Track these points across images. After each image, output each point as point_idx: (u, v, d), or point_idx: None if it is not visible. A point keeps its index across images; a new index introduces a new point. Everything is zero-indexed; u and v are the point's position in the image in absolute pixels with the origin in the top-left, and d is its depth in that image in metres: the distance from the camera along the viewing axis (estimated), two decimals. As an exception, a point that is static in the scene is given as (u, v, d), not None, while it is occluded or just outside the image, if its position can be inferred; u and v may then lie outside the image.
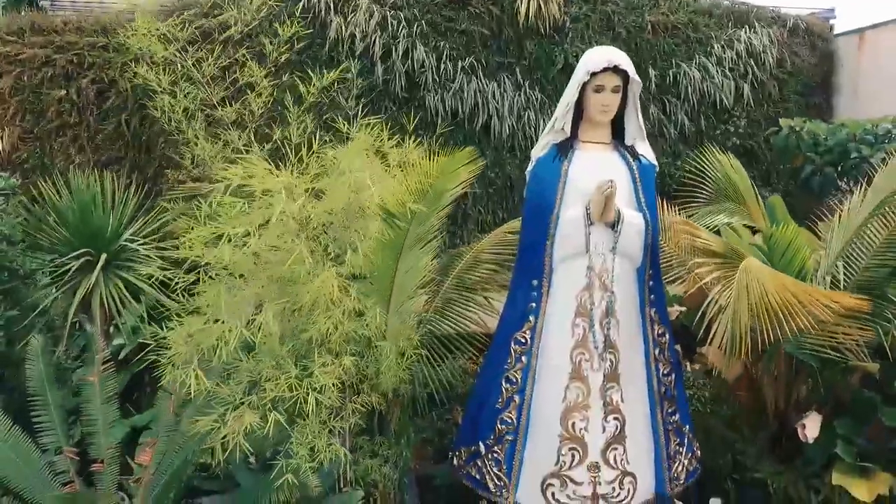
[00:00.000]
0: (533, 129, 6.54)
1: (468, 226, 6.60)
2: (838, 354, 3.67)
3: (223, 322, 2.63)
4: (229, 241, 2.44)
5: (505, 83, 6.50)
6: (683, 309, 4.52)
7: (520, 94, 6.54)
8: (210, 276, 2.73)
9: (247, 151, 2.89)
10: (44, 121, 5.88)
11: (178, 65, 3.39)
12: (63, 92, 5.88)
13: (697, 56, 6.83)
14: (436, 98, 6.32)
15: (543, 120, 6.51)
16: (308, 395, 2.68)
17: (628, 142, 3.75)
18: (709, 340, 3.38)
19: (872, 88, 6.81)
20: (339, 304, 2.82)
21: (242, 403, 2.70)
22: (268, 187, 2.56)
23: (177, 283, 2.99)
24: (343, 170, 2.60)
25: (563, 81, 6.46)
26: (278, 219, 2.55)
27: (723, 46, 6.89)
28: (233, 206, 2.47)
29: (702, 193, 4.53)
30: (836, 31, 7.47)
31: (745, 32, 6.96)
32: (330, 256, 2.81)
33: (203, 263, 2.79)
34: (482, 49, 6.49)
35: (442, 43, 6.36)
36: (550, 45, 6.58)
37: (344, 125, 2.83)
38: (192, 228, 2.60)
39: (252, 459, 3.85)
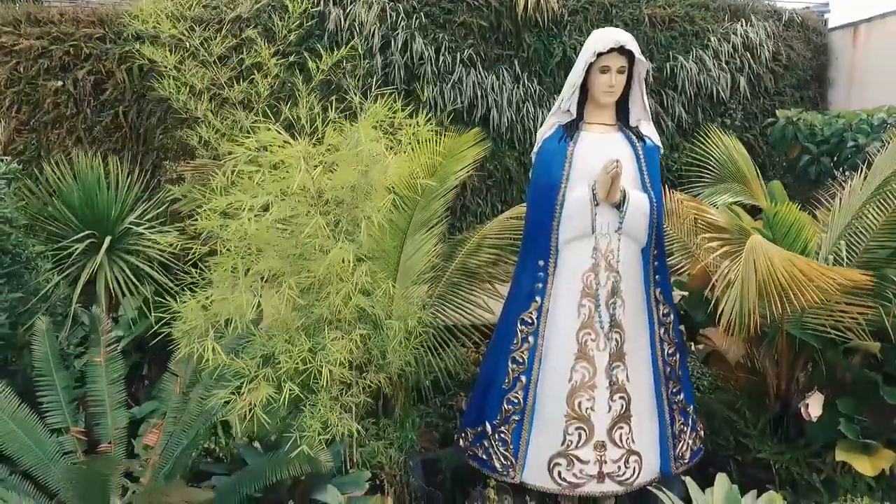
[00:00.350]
0: (532, 121, 6.57)
1: (467, 218, 6.61)
2: (839, 334, 3.72)
3: (238, 295, 2.63)
4: (250, 209, 2.44)
5: (504, 75, 6.53)
6: (685, 294, 4.54)
7: (518, 87, 6.56)
8: (227, 248, 2.72)
9: (253, 131, 2.88)
10: (40, 112, 5.86)
11: (186, 44, 3.39)
12: (59, 83, 5.86)
13: (694, 49, 6.89)
14: (435, 90, 6.33)
15: (542, 112, 6.54)
16: (322, 367, 2.69)
17: (633, 123, 3.78)
18: (717, 318, 3.41)
19: (866, 81, 6.89)
20: (351, 278, 2.83)
21: (256, 377, 2.69)
22: (283, 158, 2.57)
23: (187, 258, 2.98)
24: (356, 142, 2.60)
25: (562, 74, 6.52)
26: (294, 190, 2.55)
27: (719, 39, 6.95)
28: (252, 177, 2.47)
29: (704, 177, 4.57)
30: (830, 25, 7.56)
31: (742, 26, 7.03)
32: (343, 231, 2.81)
33: (215, 237, 2.79)
34: (481, 41, 6.52)
35: (441, 35, 6.39)
36: (549, 38, 6.62)
37: (356, 96, 2.83)
38: (208, 200, 2.60)
39: (257, 444, 3.88)
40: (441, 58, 6.34)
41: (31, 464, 3.23)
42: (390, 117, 2.75)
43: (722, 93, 6.94)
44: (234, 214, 2.55)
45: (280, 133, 2.52)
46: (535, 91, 6.58)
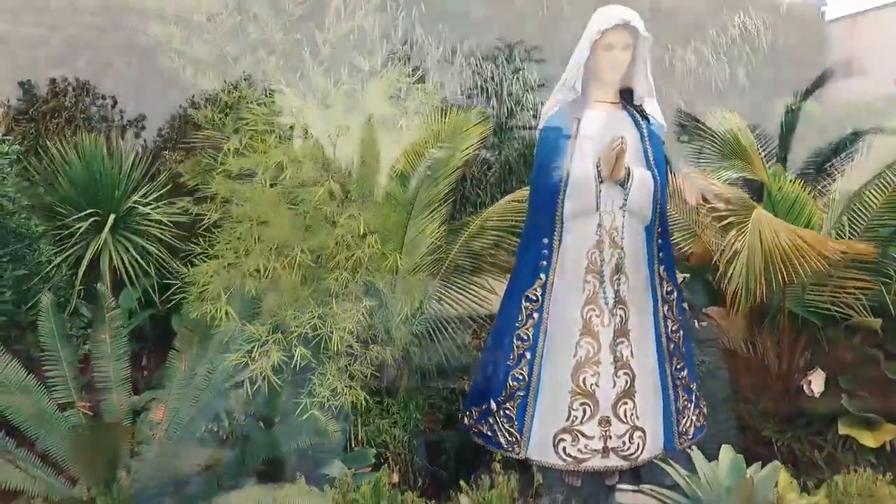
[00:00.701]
0: (531, 112, 6.59)
1: (467, 209, 6.60)
2: (840, 311, 3.75)
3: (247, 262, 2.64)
4: (265, 170, 2.45)
5: (503, 66, 6.55)
6: (686, 276, 4.56)
7: (518, 77, 6.58)
8: (239, 215, 2.73)
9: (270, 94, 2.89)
10: (38, 102, 5.83)
11: (193, 17, 3.40)
12: (58, 73, 5.83)
13: (692, 40, 6.93)
14: (435, 80, 6.35)
15: (542, 103, 6.56)
16: (332, 333, 2.69)
17: (637, 101, 3.80)
18: (721, 294, 3.43)
19: (864, 71, 6.94)
20: (360, 246, 2.84)
21: (267, 342, 2.70)
22: (293, 124, 2.58)
23: (192, 236, 2.99)
24: (366, 111, 2.62)
25: (562, 64, 6.54)
26: (305, 157, 2.56)
27: (717, 31, 7.00)
28: (265, 139, 2.47)
29: (706, 158, 4.60)
30: (827, 17, 7.63)
31: (740, 17, 7.09)
32: (353, 200, 2.83)
33: (224, 206, 2.80)
34: (481, 31, 6.54)
35: (441, 25, 6.41)
36: (549, 29, 6.64)
37: (364, 61, 2.85)
38: (220, 164, 2.60)
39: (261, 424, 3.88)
40: (441, 47, 6.37)
41: (39, 437, 3.22)
42: (399, 82, 2.76)
43: (720, 84, 6.99)
44: (247, 179, 2.55)
45: (295, 93, 2.53)
46: (535, 81, 6.60)
